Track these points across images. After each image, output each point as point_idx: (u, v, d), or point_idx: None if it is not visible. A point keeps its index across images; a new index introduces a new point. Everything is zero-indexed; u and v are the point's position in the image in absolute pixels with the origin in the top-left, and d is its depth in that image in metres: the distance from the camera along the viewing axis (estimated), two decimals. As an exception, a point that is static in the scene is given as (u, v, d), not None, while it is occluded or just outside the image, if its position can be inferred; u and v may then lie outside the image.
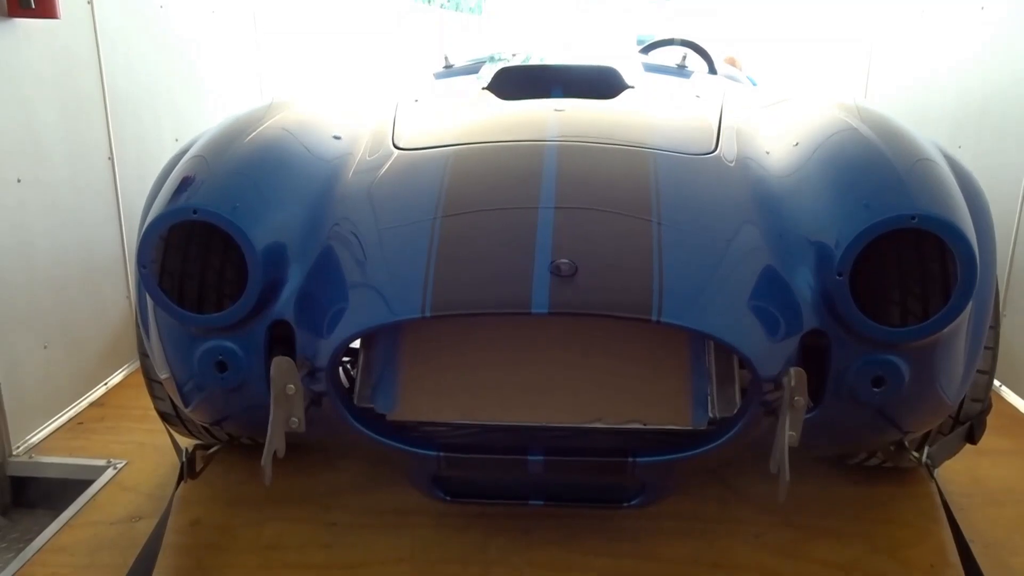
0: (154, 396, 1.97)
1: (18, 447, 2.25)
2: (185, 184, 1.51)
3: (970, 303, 1.38)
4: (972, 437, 1.81)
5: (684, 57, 2.97)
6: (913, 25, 3.23)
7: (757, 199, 1.57)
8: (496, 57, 3.07)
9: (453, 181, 1.59)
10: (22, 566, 1.74)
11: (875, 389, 1.42)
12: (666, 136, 1.79)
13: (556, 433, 1.52)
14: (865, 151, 1.54)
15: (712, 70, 3.22)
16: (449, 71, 2.78)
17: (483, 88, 2.18)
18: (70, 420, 2.46)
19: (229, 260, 1.47)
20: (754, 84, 4.45)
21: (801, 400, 1.36)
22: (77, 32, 2.46)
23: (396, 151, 1.75)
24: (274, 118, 1.79)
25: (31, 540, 1.85)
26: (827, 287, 1.39)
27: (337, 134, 1.85)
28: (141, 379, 1.98)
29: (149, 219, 1.48)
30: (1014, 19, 2.59)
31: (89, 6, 2.50)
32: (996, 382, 2.65)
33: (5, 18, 2.14)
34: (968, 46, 2.85)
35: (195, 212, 1.43)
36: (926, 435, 1.81)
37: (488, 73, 2.31)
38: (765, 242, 1.49)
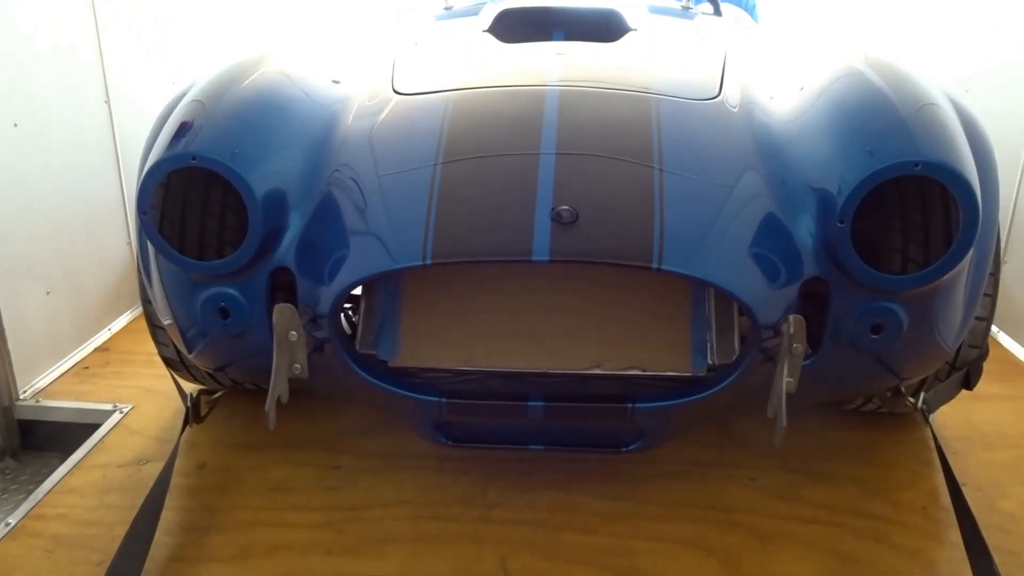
0: (157, 342, 1.98)
1: (25, 391, 2.28)
2: (183, 129, 1.49)
3: (971, 250, 1.38)
4: (968, 383, 1.83)
5: (688, -1, 2.91)
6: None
7: (760, 145, 1.56)
8: (496, -2, 3.01)
9: (453, 126, 1.57)
10: (33, 507, 1.78)
11: (873, 336, 1.43)
12: (669, 81, 1.76)
13: (556, 379, 1.54)
14: (870, 96, 1.52)
15: (717, 12, 3.16)
16: (450, 13, 2.72)
17: (484, 31, 2.14)
18: (76, 365, 2.48)
19: (229, 206, 1.47)
20: (756, 19, 4.31)
21: (799, 347, 1.37)
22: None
23: (396, 96, 1.73)
24: (273, 62, 1.76)
25: (41, 482, 1.88)
26: (828, 234, 1.38)
27: (336, 78, 1.82)
28: (144, 324, 1.99)
29: (147, 165, 1.46)
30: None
31: (80, -55, 2.44)
32: (993, 328, 2.67)
33: (-6, -42, 2.10)
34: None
35: (194, 159, 1.41)
36: (923, 381, 1.83)
37: (489, 15, 2.27)
38: (767, 189, 1.48)
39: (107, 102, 2.62)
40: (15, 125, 2.21)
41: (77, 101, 2.49)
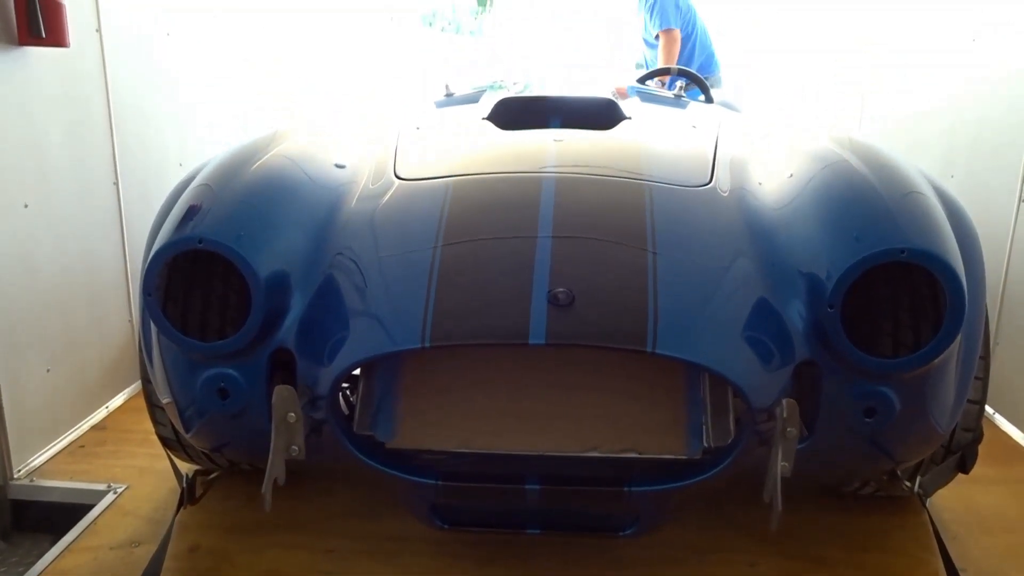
0: (155, 421, 1.98)
1: (19, 470, 2.26)
2: (191, 213, 1.54)
3: (959, 335, 1.41)
4: (964, 466, 1.83)
5: (680, 87, 3.02)
6: (907, 55, 3.28)
7: (751, 230, 1.60)
8: (496, 85, 3.12)
9: (453, 211, 1.62)
10: (22, 590, 1.75)
11: (867, 419, 1.44)
12: (662, 167, 1.82)
13: (553, 462, 1.54)
14: (856, 184, 1.57)
15: (708, 99, 3.27)
16: (450, 99, 2.82)
17: (483, 118, 2.21)
18: (71, 443, 2.47)
19: (232, 287, 1.50)
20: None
21: (793, 431, 1.38)
22: (85, 59, 2.50)
23: (397, 180, 1.78)
24: (279, 147, 1.83)
25: (31, 564, 1.86)
26: (819, 318, 1.41)
27: (340, 162, 1.88)
28: (142, 402, 1.99)
29: (155, 247, 1.50)
30: (1004, 50, 2.64)
31: (98, 34, 2.54)
32: (989, 409, 2.67)
33: (15, 46, 2.18)
34: (960, 76, 2.90)
35: (200, 242, 1.46)
36: (919, 464, 1.83)
37: (488, 103, 2.35)
38: (758, 273, 1.52)
39: (116, 183, 2.68)
40: (25, 206, 2.26)
41: (87, 182, 2.55)
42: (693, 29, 4.57)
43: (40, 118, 2.32)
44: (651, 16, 4.55)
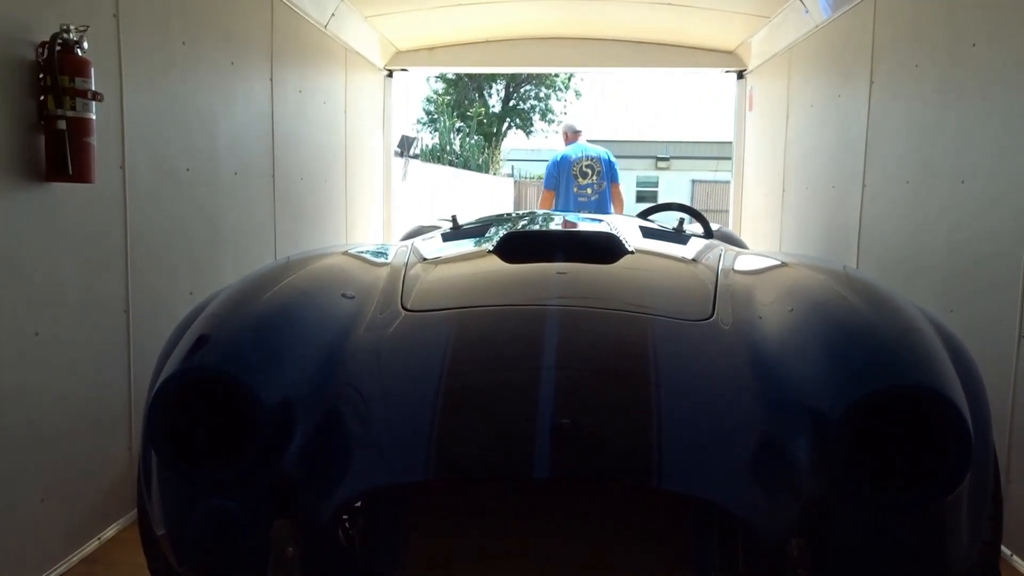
0: (149, 555, 1.93)
1: (2, 608, 2.18)
2: (201, 342, 1.56)
3: (968, 473, 1.40)
4: (983, 613, 1.76)
5: (681, 221, 3.11)
6: (902, 191, 3.39)
7: (752, 364, 1.62)
8: (503, 217, 3.21)
9: (458, 342, 1.64)
10: None
11: (880, 558, 1.41)
12: (664, 301, 1.86)
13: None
14: (855, 321, 1.60)
15: (708, 234, 3.36)
16: (456, 232, 2.90)
17: (489, 251, 2.27)
18: (60, 578, 2.40)
19: (237, 417, 1.50)
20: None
21: (804, 572, 1.34)
22: (108, 194, 2.58)
23: (404, 312, 1.81)
24: (289, 278, 1.87)
25: None
26: (824, 455, 1.40)
27: (349, 292, 1.92)
28: (135, 534, 1.95)
29: (163, 375, 1.52)
30: (991, 190, 2.73)
31: (121, 171, 2.64)
32: (1006, 550, 2.59)
33: (40, 182, 2.27)
34: (955, 212, 2.98)
35: (208, 371, 1.47)
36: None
37: (494, 236, 2.42)
38: (762, 407, 1.52)
39: (126, 311, 2.72)
40: (36, 334, 2.28)
41: (98, 310, 2.58)
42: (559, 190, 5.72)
43: (58, 249, 2.38)
44: None
